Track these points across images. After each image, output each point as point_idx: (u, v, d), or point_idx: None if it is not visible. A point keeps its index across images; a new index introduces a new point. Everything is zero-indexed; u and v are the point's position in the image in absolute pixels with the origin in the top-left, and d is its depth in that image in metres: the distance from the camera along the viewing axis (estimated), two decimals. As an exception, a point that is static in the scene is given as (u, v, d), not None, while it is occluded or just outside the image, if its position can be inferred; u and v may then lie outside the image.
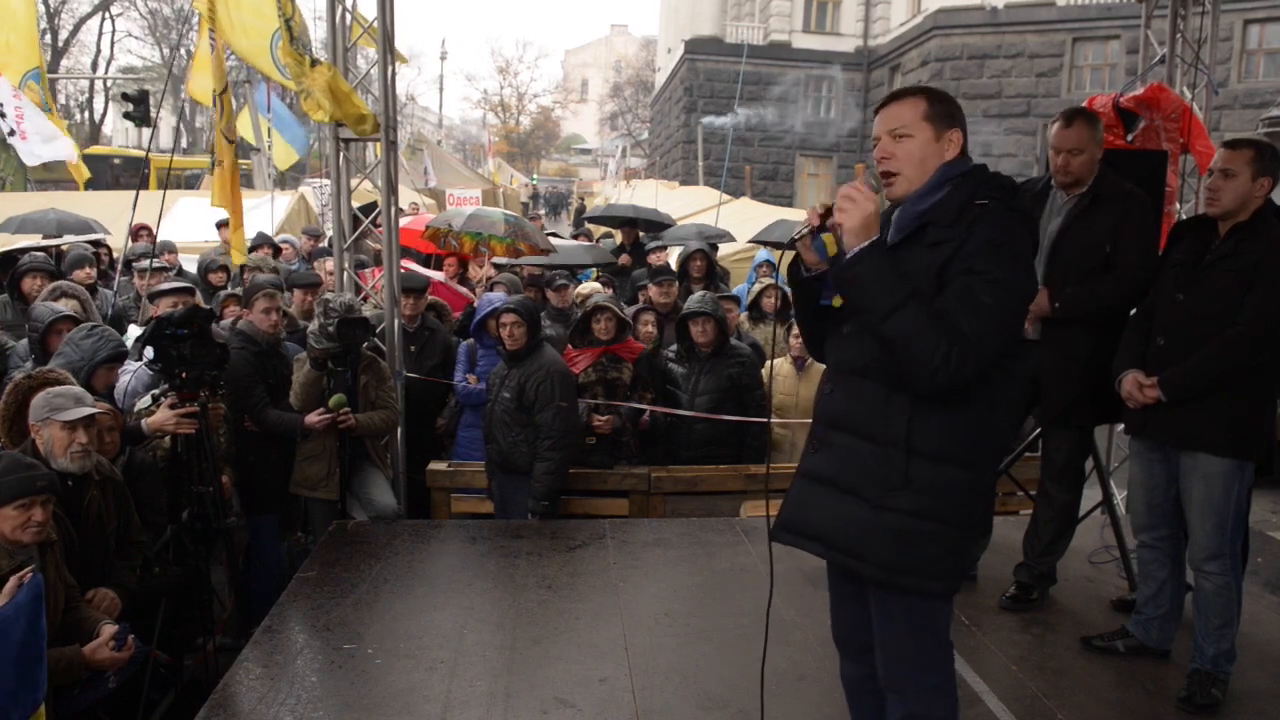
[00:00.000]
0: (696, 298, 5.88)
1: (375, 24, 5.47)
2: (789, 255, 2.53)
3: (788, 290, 2.68)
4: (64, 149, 8.02)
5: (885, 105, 2.46)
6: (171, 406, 4.15)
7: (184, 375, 4.16)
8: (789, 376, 5.89)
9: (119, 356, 4.60)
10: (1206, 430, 3.37)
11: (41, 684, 2.75)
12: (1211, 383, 3.34)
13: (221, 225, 9.60)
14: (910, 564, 2.30)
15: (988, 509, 4.33)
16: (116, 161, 24.39)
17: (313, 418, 4.90)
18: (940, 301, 2.22)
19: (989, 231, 2.25)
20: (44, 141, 7.71)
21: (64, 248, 8.24)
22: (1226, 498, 3.37)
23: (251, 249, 9.32)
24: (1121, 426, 4.36)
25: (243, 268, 7.73)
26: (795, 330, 6.00)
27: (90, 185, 7.33)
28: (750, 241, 11.16)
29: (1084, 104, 4.86)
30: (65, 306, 5.13)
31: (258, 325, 5.06)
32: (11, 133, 7.64)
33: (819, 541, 2.43)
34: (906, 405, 2.31)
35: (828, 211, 2.42)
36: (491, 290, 6.96)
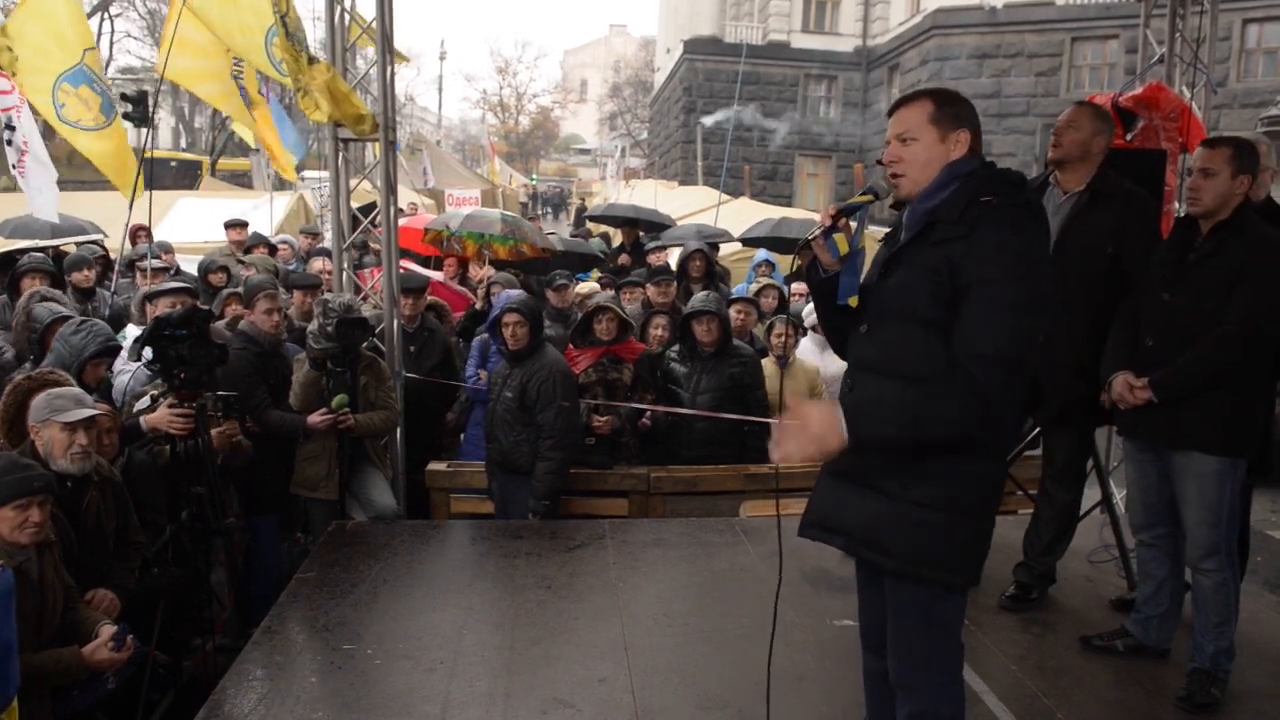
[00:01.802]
0: (700, 297, 5.89)
1: (374, 24, 5.47)
2: (793, 256, 2.55)
3: (785, 290, 2.72)
4: (49, 202, 7.42)
5: (895, 109, 2.50)
6: (170, 407, 4.16)
7: (182, 376, 4.17)
8: (772, 376, 5.88)
9: (109, 351, 4.62)
10: (1198, 429, 3.37)
11: (13, 680, 2.75)
12: (1203, 382, 3.34)
13: (229, 226, 9.59)
14: (930, 556, 2.34)
15: (990, 519, 4.36)
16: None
17: (315, 418, 4.89)
18: (958, 325, 2.26)
19: (998, 232, 2.27)
20: (40, 176, 7.28)
21: (64, 248, 8.23)
22: (1220, 496, 3.37)
23: (247, 250, 9.31)
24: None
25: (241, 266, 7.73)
26: (776, 329, 6.01)
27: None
28: (739, 241, 11.14)
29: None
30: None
31: (259, 325, 5.06)
32: (14, 166, 7.00)
33: (843, 535, 2.49)
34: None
35: (839, 212, 2.44)
36: (489, 291, 6.97)
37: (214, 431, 4.44)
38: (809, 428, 2.28)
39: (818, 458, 2.31)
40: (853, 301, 2.50)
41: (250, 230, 10.20)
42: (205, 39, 7.40)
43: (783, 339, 5.91)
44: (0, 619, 2.71)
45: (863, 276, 2.56)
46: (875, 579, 2.54)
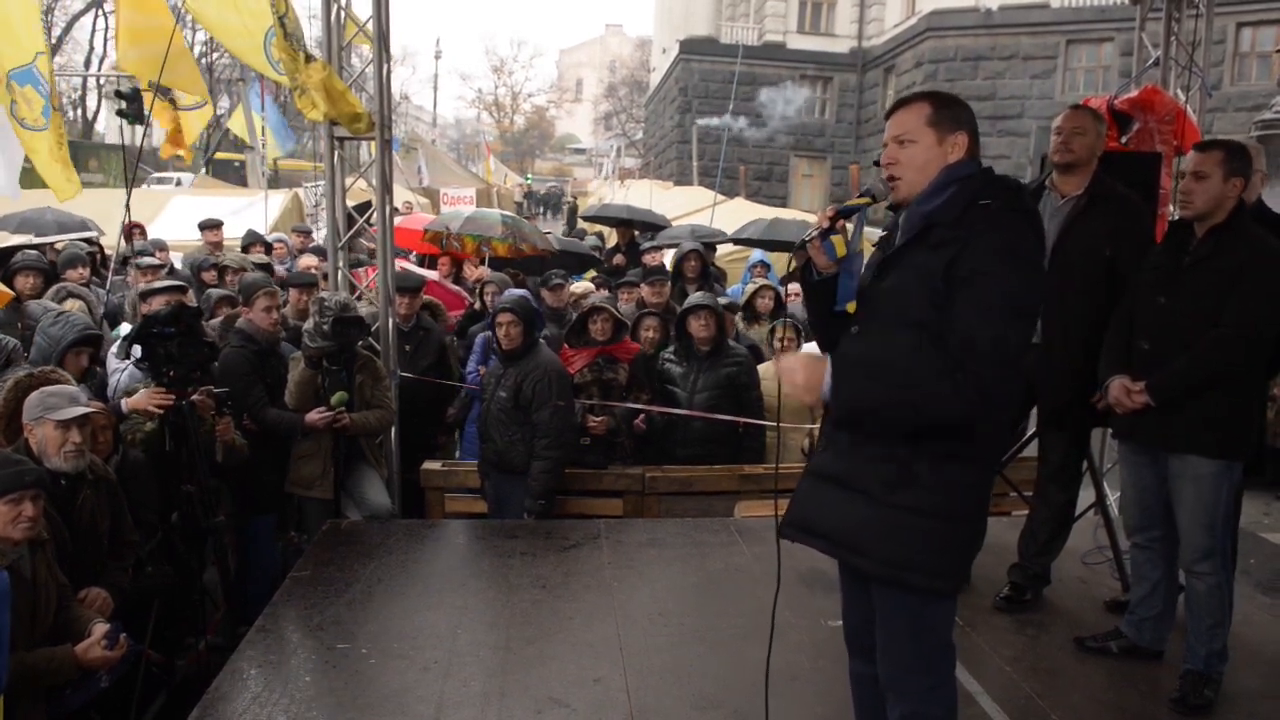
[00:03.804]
0: (699, 295, 5.89)
1: (370, 22, 5.47)
2: (789, 257, 2.55)
3: (781, 291, 2.71)
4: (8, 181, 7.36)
5: (893, 112, 2.49)
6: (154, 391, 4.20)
7: (171, 374, 4.16)
8: (773, 378, 5.87)
9: (86, 340, 4.62)
10: (1194, 432, 3.37)
11: (1, 676, 2.75)
12: (1199, 385, 3.34)
13: (204, 227, 9.56)
14: (915, 561, 2.30)
15: (981, 517, 4.37)
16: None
17: (313, 416, 4.88)
18: (952, 316, 2.24)
19: (994, 234, 2.26)
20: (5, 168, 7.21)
21: (58, 246, 8.22)
22: (1216, 498, 3.38)
23: (244, 248, 9.30)
24: (1114, 428, 4.37)
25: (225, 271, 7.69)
26: (780, 334, 6.00)
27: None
28: (731, 240, 11.16)
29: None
30: (70, 307, 5.14)
31: (258, 324, 5.05)
32: None
33: (825, 538, 2.45)
34: None
35: (837, 214, 2.44)
36: (483, 291, 6.96)
37: (220, 425, 4.47)
38: (795, 376, 2.31)
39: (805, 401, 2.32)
40: (850, 307, 2.48)
41: (246, 229, 10.18)
42: (148, 24, 7.31)
43: (785, 342, 5.91)
44: None
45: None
46: (860, 581, 2.51)
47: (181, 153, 11.06)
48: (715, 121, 26.68)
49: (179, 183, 22.89)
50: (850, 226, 2.49)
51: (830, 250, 2.47)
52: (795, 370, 2.32)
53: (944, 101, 2.46)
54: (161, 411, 4.17)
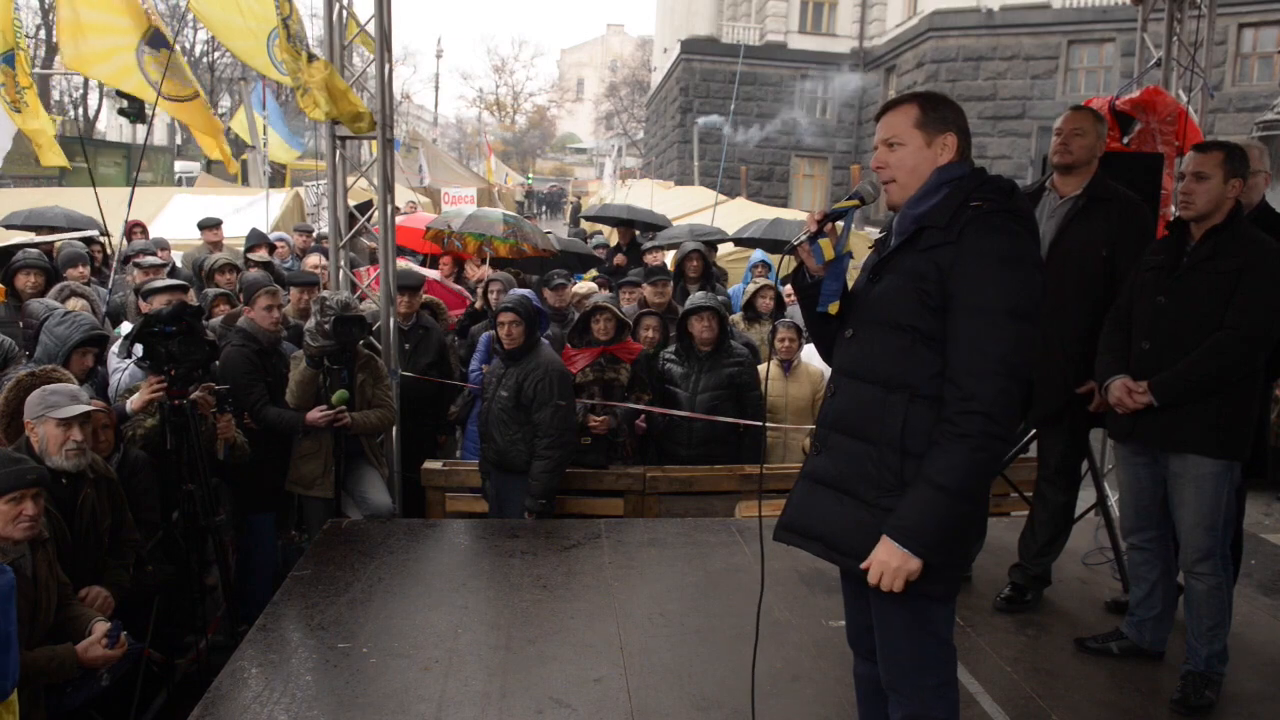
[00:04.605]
0: (699, 295, 5.89)
1: (371, 22, 5.47)
2: (788, 258, 2.55)
3: (782, 291, 2.71)
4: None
5: (882, 114, 2.49)
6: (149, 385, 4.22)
7: (172, 372, 4.16)
8: (776, 379, 5.90)
9: (92, 340, 4.61)
10: (1195, 432, 3.37)
11: (11, 673, 2.75)
12: (1203, 385, 3.34)
13: (204, 227, 9.55)
14: None
15: (982, 511, 4.37)
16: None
17: (314, 414, 4.89)
18: (954, 335, 2.25)
19: (987, 237, 2.26)
20: None
21: (57, 245, 8.21)
22: (1217, 499, 3.38)
23: (248, 249, 9.31)
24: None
25: (213, 271, 7.68)
26: (780, 334, 6.02)
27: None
28: (732, 240, 11.17)
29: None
30: (74, 306, 5.14)
31: (259, 323, 5.05)
32: None
33: (819, 542, 2.45)
34: (901, 407, 2.32)
35: (825, 217, 2.44)
36: (487, 290, 6.96)
37: (221, 423, 4.47)
38: (889, 568, 2.26)
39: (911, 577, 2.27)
40: (832, 309, 2.49)
41: (247, 228, 10.16)
42: (101, 17, 7.33)
43: (786, 343, 5.92)
44: (0, 615, 2.72)
45: (851, 281, 2.55)
46: (859, 583, 2.48)
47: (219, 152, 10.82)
48: (716, 121, 26.61)
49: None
50: (840, 227, 2.50)
51: (818, 254, 2.47)
52: (889, 569, 2.26)
53: (932, 103, 2.45)
54: (159, 396, 4.17)
